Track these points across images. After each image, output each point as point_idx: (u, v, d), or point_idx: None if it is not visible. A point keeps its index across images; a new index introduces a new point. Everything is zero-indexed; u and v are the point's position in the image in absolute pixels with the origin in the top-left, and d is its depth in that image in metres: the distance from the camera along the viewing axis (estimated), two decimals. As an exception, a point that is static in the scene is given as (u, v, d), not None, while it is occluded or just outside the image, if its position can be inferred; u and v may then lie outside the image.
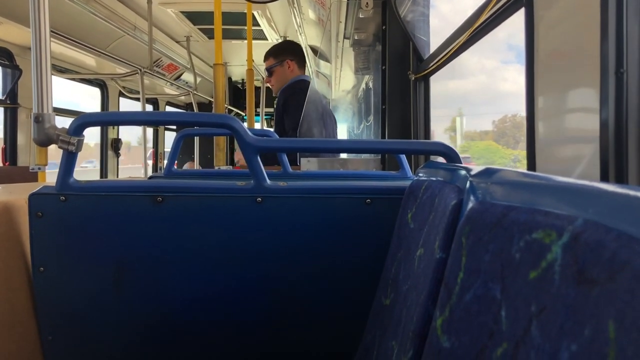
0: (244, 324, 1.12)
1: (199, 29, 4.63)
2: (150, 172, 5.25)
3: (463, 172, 0.71)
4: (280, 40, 4.46)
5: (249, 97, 3.09)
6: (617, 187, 0.37)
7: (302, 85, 2.66)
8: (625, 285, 0.30)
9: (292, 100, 2.59)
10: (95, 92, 4.77)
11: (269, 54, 2.80)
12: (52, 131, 1.06)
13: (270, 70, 2.77)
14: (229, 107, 6.75)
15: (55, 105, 1.13)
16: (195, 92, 5.47)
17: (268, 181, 1.07)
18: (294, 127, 2.48)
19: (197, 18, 4.33)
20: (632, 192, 0.35)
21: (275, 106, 2.79)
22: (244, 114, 6.47)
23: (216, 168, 2.33)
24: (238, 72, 6.83)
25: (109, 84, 4.81)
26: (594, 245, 0.35)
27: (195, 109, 5.80)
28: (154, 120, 1.36)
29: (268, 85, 2.89)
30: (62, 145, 1.03)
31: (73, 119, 1.07)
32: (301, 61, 2.81)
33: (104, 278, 1.08)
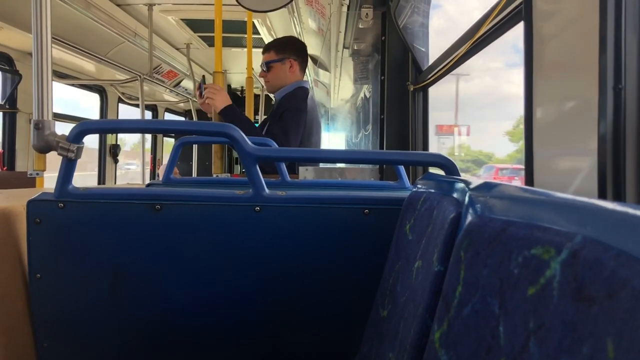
0: (241, 332, 1.11)
1: (199, 36, 4.64)
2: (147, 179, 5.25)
3: (462, 185, 0.71)
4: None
5: (248, 105, 3.08)
6: (616, 205, 0.38)
7: (304, 94, 2.48)
8: (625, 304, 0.30)
9: (292, 109, 2.39)
10: (93, 94, 4.78)
11: (271, 47, 2.50)
12: (51, 138, 1.06)
13: (268, 65, 2.47)
14: None
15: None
16: (194, 99, 5.48)
17: (267, 190, 1.07)
18: (285, 138, 2.25)
19: (198, 26, 4.34)
20: (631, 211, 0.35)
21: (272, 109, 2.58)
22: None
23: (214, 176, 2.33)
24: (237, 79, 6.85)
25: (108, 90, 4.82)
26: (593, 262, 0.35)
27: (194, 116, 5.80)
28: (154, 129, 1.36)
29: (261, 79, 2.60)
30: (61, 152, 1.03)
31: (72, 124, 1.07)
32: (303, 63, 2.54)
33: (101, 285, 1.08)
